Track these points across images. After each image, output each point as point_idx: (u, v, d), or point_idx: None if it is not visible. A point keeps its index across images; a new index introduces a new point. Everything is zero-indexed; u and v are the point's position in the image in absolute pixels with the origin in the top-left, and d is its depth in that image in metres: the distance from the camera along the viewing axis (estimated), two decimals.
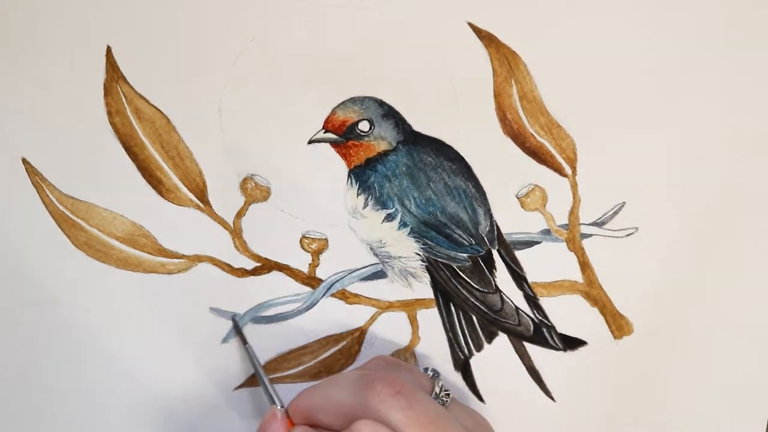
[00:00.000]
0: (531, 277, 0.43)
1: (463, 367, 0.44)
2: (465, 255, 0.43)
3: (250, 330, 0.43)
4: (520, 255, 0.43)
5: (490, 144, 0.41)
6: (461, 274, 0.43)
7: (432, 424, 0.34)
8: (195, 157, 0.41)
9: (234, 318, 0.43)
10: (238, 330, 0.42)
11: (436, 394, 0.38)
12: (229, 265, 0.42)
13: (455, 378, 0.44)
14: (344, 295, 0.43)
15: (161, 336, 0.42)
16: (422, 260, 0.43)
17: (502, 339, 0.44)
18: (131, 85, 0.40)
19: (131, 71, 0.40)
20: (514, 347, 0.44)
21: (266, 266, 0.42)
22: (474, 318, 0.43)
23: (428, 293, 0.43)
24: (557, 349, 0.44)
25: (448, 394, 0.38)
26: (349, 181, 0.42)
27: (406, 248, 0.42)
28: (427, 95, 0.41)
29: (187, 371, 0.43)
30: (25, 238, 0.41)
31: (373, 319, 0.43)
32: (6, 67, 0.40)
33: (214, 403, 0.43)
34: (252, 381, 0.43)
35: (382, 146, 0.41)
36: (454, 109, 0.41)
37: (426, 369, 0.40)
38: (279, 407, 0.38)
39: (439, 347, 0.44)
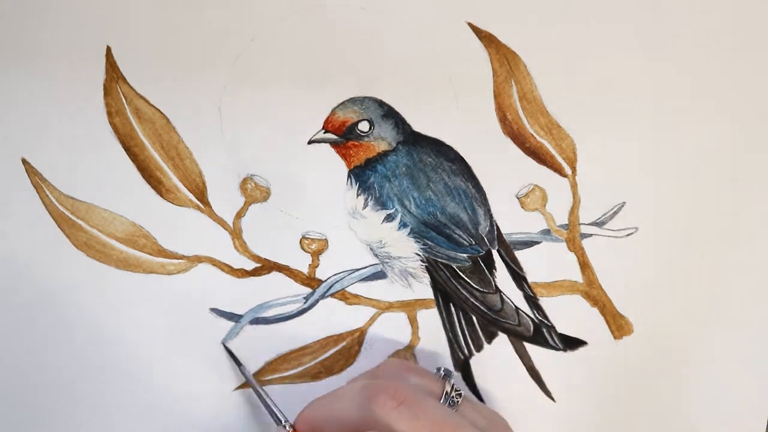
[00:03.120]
0: (531, 277, 0.43)
1: (463, 367, 0.44)
2: (465, 255, 0.43)
3: (249, 330, 0.43)
4: (520, 255, 0.43)
5: (490, 144, 0.41)
6: (461, 274, 0.43)
7: (440, 430, 0.34)
8: (195, 158, 0.41)
9: (224, 344, 0.42)
10: (230, 354, 0.42)
11: (446, 394, 0.37)
12: (228, 266, 0.42)
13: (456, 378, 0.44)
14: (344, 296, 0.43)
15: (161, 336, 0.42)
16: (422, 260, 0.43)
17: (502, 339, 0.44)
18: (131, 86, 0.40)
19: (131, 71, 0.40)
20: (514, 347, 0.44)
21: (266, 267, 0.42)
22: (474, 318, 0.43)
23: (428, 293, 0.43)
24: (557, 349, 0.44)
25: (459, 394, 0.38)
26: (349, 181, 0.42)
27: (406, 248, 0.42)
28: (427, 95, 0.41)
29: (187, 371, 0.43)
30: (25, 238, 0.41)
31: (373, 319, 0.43)
32: (6, 67, 0.40)
33: (214, 403, 0.43)
34: None
35: (382, 146, 0.41)
36: (454, 109, 0.41)
37: (438, 369, 0.40)
38: (286, 426, 0.38)
39: (439, 347, 0.44)
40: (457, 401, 0.37)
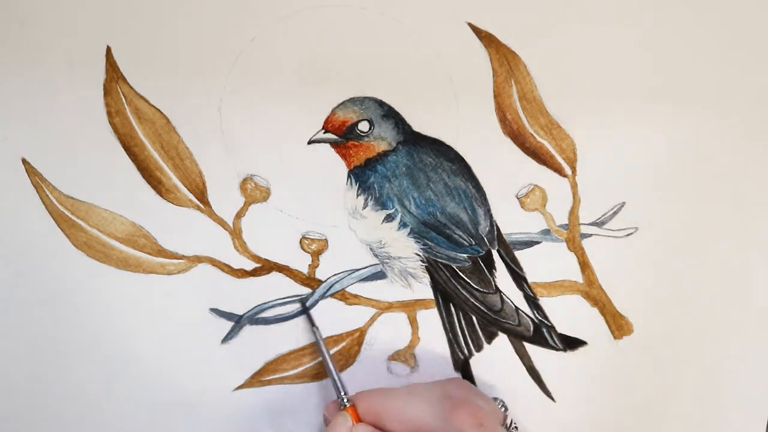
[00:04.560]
0: (531, 277, 0.43)
1: (463, 367, 0.44)
2: (465, 255, 0.43)
3: (250, 331, 0.43)
4: (520, 255, 0.43)
5: (490, 144, 0.41)
6: (461, 274, 0.43)
7: None
8: (195, 158, 0.41)
9: (303, 301, 0.43)
10: (306, 313, 0.42)
11: (506, 426, 0.38)
12: (228, 266, 0.42)
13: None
14: (344, 296, 0.43)
15: (161, 336, 0.42)
16: (422, 260, 0.43)
17: (502, 339, 0.44)
18: (131, 86, 0.40)
19: (131, 71, 0.40)
20: (514, 347, 0.44)
21: (266, 267, 0.42)
22: (474, 318, 0.43)
23: (428, 294, 0.43)
24: (557, 349, 0.44)
25: (516, 428, 0.39)
26: (349, 181, 0.42)
27: (405, 248, 0.42)
28: (427, 95, 0.41)
29: (187, 371, 0.43)
30: (25, 238, 0.41)
31: (372, 319, 0.43)
32: (6, 68, 0.40)
33: (214, 403, 0.43)
34: (252, 381, 0.43)
35: (382, 146, 0.41)
36: (454, 109, 0.41)
37: (495, 399, 0.41)
38: (345, 399, 0.39)
39: (439, 347, 0.44)
40: None
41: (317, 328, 0.42)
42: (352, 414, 0.38)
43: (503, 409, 0.40)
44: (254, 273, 0.42)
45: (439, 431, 0.36)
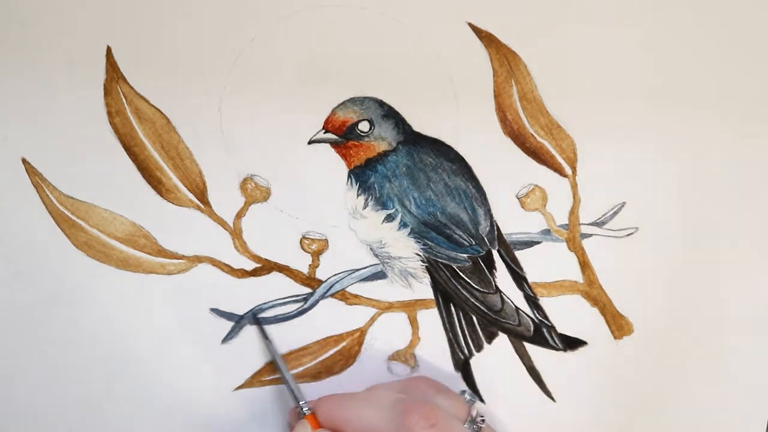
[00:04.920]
0: (531, 277, 0.43)
1: (463, 367, 0.44)
2: (465, 255, 0.43)
3: (249, 331, 0.43)
4: (520, 255, 0.43)
5: (490, 144, 0.41)
6: (461, 274, 0.43)
7: None
8: (195, 158, 0.41)
9: (255, 315, 0.43)
10: (259, 326, 0.43)
11: (472, 418, 0.38)
12: (229, 266, 0.42)
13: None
14: (344, 296, 0.43)
15: (161, 336, 0.42)
16: (422, 260, 0.43)
17: (502, 339, 0.44)
18: (131, 86, 0.40)
19: (131, 71, 0.40)
20: (514, 347, 0.44)
21: (266, 267, 0.42)
22: (474, 318, 0.43)
23: (428, 294, 0.43)
24: (557, 349, 0.44)
25: (483, 420, 0.39)
26: (349, 181, 0.42)
27: (406, 248, 0.42)
28: (427, 95, 0.41)
29: (187, 371, 0.43)
30: (25, 238, 0.41)
31: (373, 319, 0.43)
32: (6, 68, 0.40)
33: (214, 404, 0.43)
34: (252, 381, 0.43)
35: (382, 146, 0.41)
36: (454, 109, 0.41)
37: (463, 392, 0.41)
38: (303, 409, 0.39)
39: (439, 347, 0.44)
40: (481, 426, 0.39)
41: (270, 341, 0.42)
42: (312, 421, 0.39)
43: (469, 400, 0.40)
44: (254, 273, 0.42)
45: None
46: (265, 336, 0.42)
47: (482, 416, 0.39)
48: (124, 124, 0.40)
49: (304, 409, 0.40)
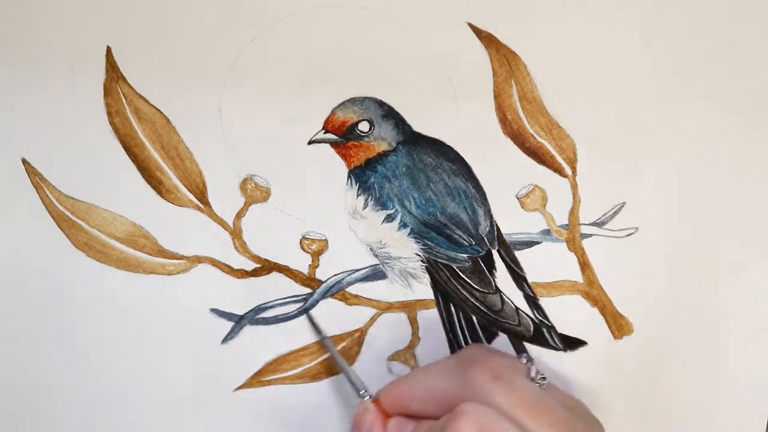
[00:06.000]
0: (531, 278, 0.43)
1: None
2: (465, 255, 0.43)
3: (249, 331, 0.43)
4: (520, 255, 0.43)
5: (490, 144, 0.41)
6: (461, 274, 0.43)
7: (535, 405, 0.34)
8: (195, 158, 0.41)
9: (308, 313, 0.43)
10: (312, 322, 0.43)
11: (532, 378, 0.37)
12: (228, 266, 0.42)
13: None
14: (344, 296, 0.43)
15: (161, 336, 0.42)
16: (422, 261, 0.43)
17: (502, 339, 0.44)
18: (131, 86, 0.40)
19: (131, 71, 0.40)
20: (514, 347, 0.44)
21: (266, 267, 0.42)
22: (474, 318, 0.43)
23: (428, 294, 0.43)
24: (557, 349, 0.44)
25: (543, 378, 0.37)
26: (349, 181, 0.42)
27: (406, 249, 0.42)
28: (427, 95, 0.41)
29: (187, 371, 0.43)
30: (25, 238, 0.41)
31: (373, 320, 0.43)
32: (6, 68, 0.40)
33: (214, 404, 0.43)
34: (252, 381, 0.43)
35: (382, 147, 0.41)
36: (454, 109, 0.41)
37: (519, 355, 0.40)
38: (368, 398, 0.38)
39: (439, 348, 0.44)
40: (543, 385, 0.37)
41: (326, 336, 0.42)
42: (379, 409, 0.38)
43: (527, 362, 0.38)
44: (254, 273, 0.42)
45: (458, 394, 0.35)
46: (318, 330, 0.42)
47: (543, 375, 0.37)
48: (124, 124, 0.40)
49: (366, 398, 0.39)
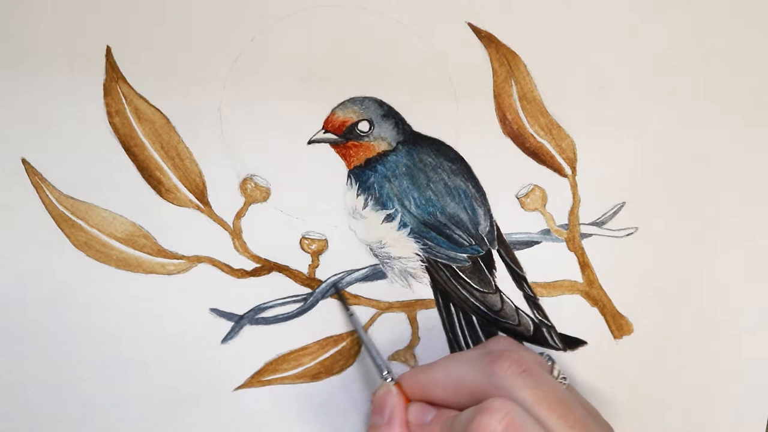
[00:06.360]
0: (531, 277, 0.43)
1: None
2: (465, 255, 0.43)
3: (249, 331, 0.43)
4: (520, 255, 0.43)
5: (490, 144, 0.41)
6: (461, 274, 0.43)
7: (559, 403, 0.34)
8: (195, 158, 0.41)
9: (336, 287, 0.42)
10: (341, 299, 0.42)
11: (554, 377, 0.37)
12: (228, 266, 0.42)
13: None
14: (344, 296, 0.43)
15: (161, 336, 0.42)
16: (422, 260, 0.43)
17: None
18: (131, 86, 0.40)
19: (131, 71, 0.40)
20: None
21: (266, 267, 0.42)
22: (474, 318, 0.43)
23: (428, 294, 0.43)
24: (557, 349, 0.44)
25: (565, 378, 0.38)
26: (349, 181, 0.42)
27: (405, 248, 0.42)
28: (427, 95, 0.41)
29: (187, 371, 0.43)
30: (25, 238, 0.41)
31: (372, 319, 0.43)
32: (6, 68, 0.40)
33: (214, 404, 0.43)
34: (252, 381, 0.43)
35: (382, 146, 0.41)
36: (454, 109, 0.41)
37: (542, 353, 0.40)
38: (391, 381, 0.38)
39: (439, 348, 0.44)
40: (564, 385, 0.37)
41: (354, 314, 0.42)
42: (401, 392, 0.38)
43: (550, 362, 0.39)
44: (254, 273, 0.42)
45: (482, 385, 0.35)
46: (346, 308, 0.42)
47: (564, 376, 0.38)
48: (123, 124, 0.40)
49: (388, 380, 0.39)
